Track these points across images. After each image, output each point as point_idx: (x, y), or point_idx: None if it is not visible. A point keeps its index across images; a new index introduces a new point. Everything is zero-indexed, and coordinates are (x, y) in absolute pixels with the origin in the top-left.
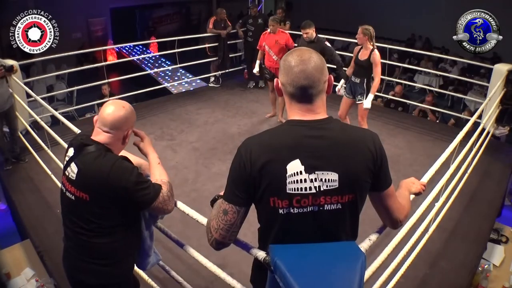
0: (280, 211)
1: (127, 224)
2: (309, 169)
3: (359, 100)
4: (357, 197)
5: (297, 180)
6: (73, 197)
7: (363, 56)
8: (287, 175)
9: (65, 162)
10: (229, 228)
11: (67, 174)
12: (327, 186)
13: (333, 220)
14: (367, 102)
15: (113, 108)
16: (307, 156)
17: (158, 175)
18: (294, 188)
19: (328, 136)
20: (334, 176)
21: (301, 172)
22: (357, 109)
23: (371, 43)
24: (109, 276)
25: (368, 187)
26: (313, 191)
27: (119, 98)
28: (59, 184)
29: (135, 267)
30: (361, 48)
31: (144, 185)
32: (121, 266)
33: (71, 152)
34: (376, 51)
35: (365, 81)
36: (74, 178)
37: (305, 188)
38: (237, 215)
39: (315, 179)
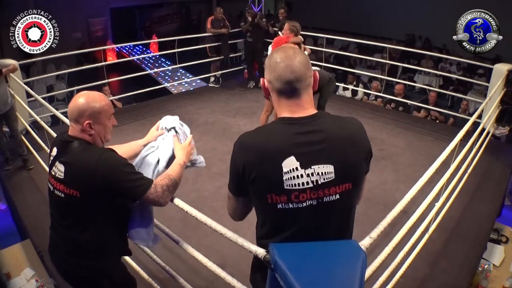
0: (279, 206)
1: (117, 218)
2: (304, 164)
3: None
4: (354, 185)
5: (294, 176)
6: (62, 195)
7: None
8: (283, 172)
9: (49, 162)
10: (235, 210)
11: (53, 173)
12: (324, 179)
13: (332, 210)
14: None
15: (73, 99)
16: (301, 151)
17: (169, 170)
18: (292, 184)
19: (320, 130)
20: (329, 168)
21: (297, 168)
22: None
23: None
24: (99, 270)
25: (363, 174)
26: (311, 185)
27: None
28: None
29: (136, 266)
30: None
31: (133, 177)
32: (110, 259)
33: (54, 151)
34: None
35: None
36: (62, 177)
37: (303, 183)
38: (236, 202)
39: (312, 174)
